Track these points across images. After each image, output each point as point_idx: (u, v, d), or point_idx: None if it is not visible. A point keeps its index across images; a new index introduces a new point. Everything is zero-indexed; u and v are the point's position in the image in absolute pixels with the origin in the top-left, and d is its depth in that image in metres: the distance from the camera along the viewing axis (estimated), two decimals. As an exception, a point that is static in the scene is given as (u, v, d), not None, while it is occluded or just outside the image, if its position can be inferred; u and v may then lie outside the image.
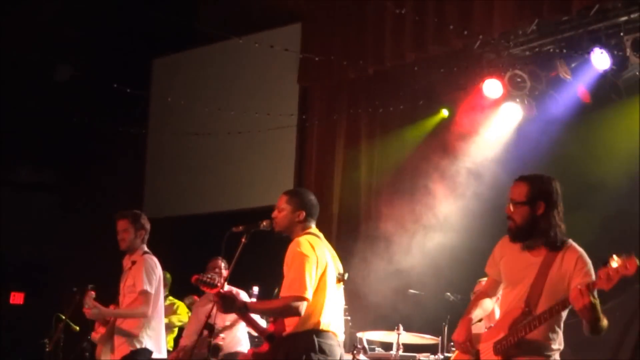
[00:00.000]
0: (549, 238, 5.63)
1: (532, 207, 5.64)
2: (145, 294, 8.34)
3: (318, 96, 12.86)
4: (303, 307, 6.35)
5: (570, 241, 5.68)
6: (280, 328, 6.60)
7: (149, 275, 8.42)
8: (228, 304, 6.55)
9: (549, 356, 5.57)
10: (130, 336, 8.40)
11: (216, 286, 6.71)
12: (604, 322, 5.36)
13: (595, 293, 5.28)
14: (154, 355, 8.51)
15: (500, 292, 5.97)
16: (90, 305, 8.28)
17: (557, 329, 5.61)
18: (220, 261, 10.10)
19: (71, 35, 14.23)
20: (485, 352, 5.67)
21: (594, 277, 5.36)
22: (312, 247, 6.50)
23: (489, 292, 6.05)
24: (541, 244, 5.67)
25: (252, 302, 6.59)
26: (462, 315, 6.00)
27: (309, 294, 6.35)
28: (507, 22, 10.40)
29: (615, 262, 5.05)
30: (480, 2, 10.39)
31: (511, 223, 5.72)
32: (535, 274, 5.59)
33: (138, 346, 8.40)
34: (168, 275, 11.74)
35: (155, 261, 8.58)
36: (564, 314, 5.59)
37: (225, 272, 9.95)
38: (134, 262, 8.47)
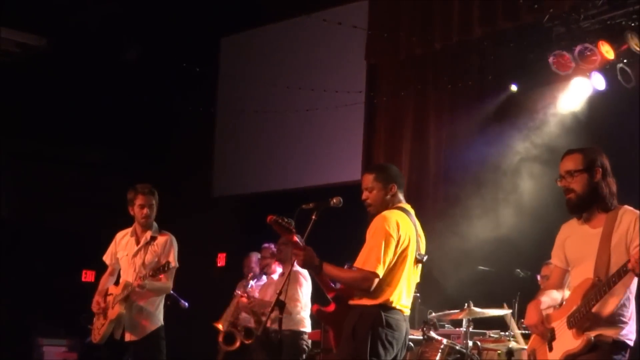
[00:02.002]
0: (605, 205, 5.65)
1: (590, 173, 5.67)
2: (173, 270, 8.42)
3: (386, 73, 12.81)
4: (374, 283, 6.40)
5: (626, 206, 5.68)
6: (349, 292, 6.64)
7: (176, 253, 8.52)
8: (309, 258, 6.59)
9: (622, 327, 5.55)
10: (151, 314, 8.44)
11: (292, 232, 6.69)
12: None
13: None
14: None
15: (568, 280, 5.93)
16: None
17: (629, 295, 5.58)
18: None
19: (140, 15, 14.32)
20: (560, 328, 5.64)
21: None
22: (398, 225, 6.51)
23: (556, 284, 5.99)
24: (598, 213, 5.68)
25: (327, 264, 6.57)
26: (532, 298, 5.98)
27: (380, 271, 6.39)
28: (577, -5, 10.30)
29: None
30: (551, -26, 10.30)
31: (571, 194, 5.72)
32: (598, 245, 5.59)
33: (158, 324, 8.49)
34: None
35: None
36: (636, 279, 5.55)
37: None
38: (153, 238, 8.48)
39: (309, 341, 10.53)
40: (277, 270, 11.13)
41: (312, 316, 10.30)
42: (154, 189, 8.58)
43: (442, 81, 11.97)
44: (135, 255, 8.50)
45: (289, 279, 6.99)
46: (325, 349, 10.07)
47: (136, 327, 8.37)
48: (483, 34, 11.29)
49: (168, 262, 8.14)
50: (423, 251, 6.79)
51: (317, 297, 7.00)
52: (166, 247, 8.48)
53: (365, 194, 6.77)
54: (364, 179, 6.83)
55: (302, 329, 10.43)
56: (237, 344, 11.27)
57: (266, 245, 11.35)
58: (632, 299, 5.61)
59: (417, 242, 6.69)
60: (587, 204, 5.70)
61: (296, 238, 6.68)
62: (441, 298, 10.82)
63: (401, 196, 6.79)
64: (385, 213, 6.60)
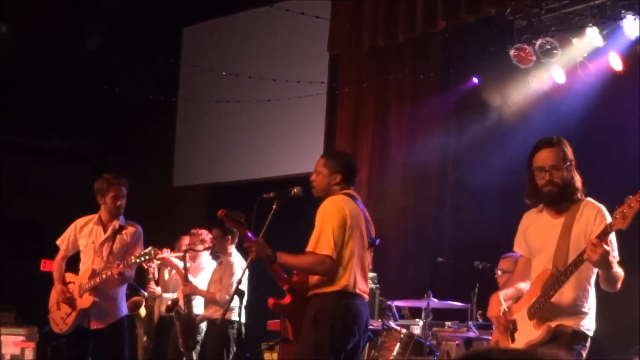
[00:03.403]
0: (569, 196, 5.68)
1: (567, 167, 5.70)
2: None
3: (348, 64, 12.81)
4: (329, 266, 6.44)
5: (589, 198, 5.72)
6: (304, 281, 6.66)
7: (142, 244, 8.52)
8: (261, 249, 6.58)
9: (582, 317, 5.61)
10: (117, 302, 8.44)
11: (243, 224, 6.71)
12: (616, 270, 5.40)
13: (616, 252, 5.42)
14: None
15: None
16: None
17: (587, 286, 5.64)
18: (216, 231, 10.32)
19: (102, 3, 14.25)
20: (521, 319, 5.69)
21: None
22: (345, 209, 6.57)
23: (522, 273, 6.00)
24: (565, 204, 5.71)
25: (281, 253, 6.58)
26: (491, 289, 6.03)
27: (334, 254, 6.44)
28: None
29: (627, 200, 5.12)
30: (513, -32, 10.34)
31: (551, 188, 5.69)
32: (558, 235, 5.64)
33: (124, 313, 8.52)
34: None
35: None
36: (595, 270, 5.58)
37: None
38: (121, 227, 8.46)
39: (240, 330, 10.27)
40: (203, 256, 10.97)
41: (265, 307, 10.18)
42: (125, 179, 8.51)
43: (404, 73, 12.00)
44: (102, 243, 8.42)
45: (247, 269, 6.99)
46: (284, 338, 10.02)
47: (103, 315, 8.34)
48: (446, 27, 11.32)
49: (155, 249, 8.15)
50: (373, 235, 6.84)
51: (275, 291, 6.99)
52: (135, 237, 8.45)
53: (313, 176, 6.86)
54: (317, 161, 6.92)
55: (233, 318, 10.18)
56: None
57: (194, 231, 11.16)
58: (591, 291, 5.66)
59: (367, 227, 6.74)
60: (566, 196, 5.69)
61: (248, 231, 6.70)
62: (400, 289, 10.85)
63: (349, 186, 6.83)
64: (332, 197, 6.68)
